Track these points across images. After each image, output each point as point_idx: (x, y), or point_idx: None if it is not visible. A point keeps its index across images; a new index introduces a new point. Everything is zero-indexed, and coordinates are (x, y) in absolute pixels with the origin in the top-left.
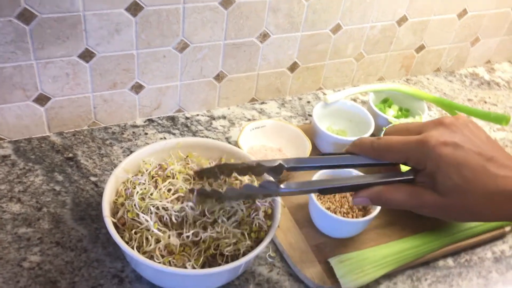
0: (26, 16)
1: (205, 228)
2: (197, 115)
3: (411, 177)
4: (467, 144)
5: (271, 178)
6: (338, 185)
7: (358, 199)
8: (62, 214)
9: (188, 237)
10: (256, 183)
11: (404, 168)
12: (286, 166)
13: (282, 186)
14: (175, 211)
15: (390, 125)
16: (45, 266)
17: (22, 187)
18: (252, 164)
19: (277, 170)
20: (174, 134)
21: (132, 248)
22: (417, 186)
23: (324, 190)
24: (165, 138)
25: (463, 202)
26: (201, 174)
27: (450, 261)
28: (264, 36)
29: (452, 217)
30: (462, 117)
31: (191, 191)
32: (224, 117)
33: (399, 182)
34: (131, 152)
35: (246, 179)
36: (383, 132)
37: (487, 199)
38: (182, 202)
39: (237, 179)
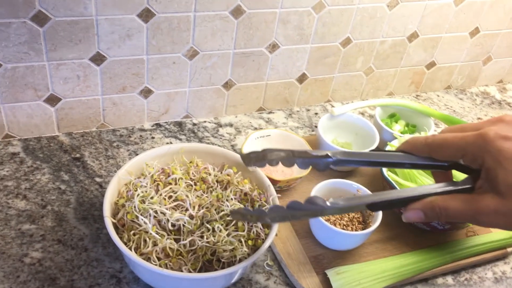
0: (40, 18)
1: (202, 236)
2: (204, 121)
3: (469, 185)
4: None
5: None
6: (389, 198)
7: (410, 213)
8: (66, 212)
9: (184, 245)
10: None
11: (459, 178)
12: (333, 158)
13: (328, 203)
14: (172, 220)
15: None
16: (46, 263)
17: (29, 184)
18: (300, 153)
19: (323, 162)
20: (180, 139)
21: (130, 249)
22: (475, 192)
23: (374, 205)
24: (171, 143)
25: None
26: (246, 159)
27: (449, 279)
28: (273, 47)
29: None
30: None
31: (232, 212)
32: (231, 125)
33: (455, 192)
34: (137, 155)
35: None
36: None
37: None
38: (181, 211)
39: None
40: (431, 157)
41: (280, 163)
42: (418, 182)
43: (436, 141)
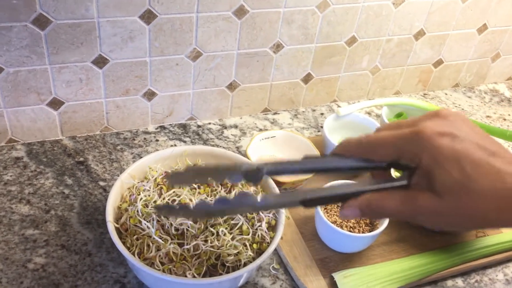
0: (41, 22)
1: (206, 240)
2: (209, 123)
3: (405, 182)
4: (466, 136)
5: (245, 189)
6: (324, 195)
7: (346, 211)
8: (69, 217)
9: (188, 249)
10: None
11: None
12: (264, 170)
13: (259, 199)
14: (175, 224)
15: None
16: (49, 268)
17: (32, 189)
18: (229, 166)
19: (254, 175)
20: (185, 141)
21: (133, 254)
22: (412, 190)
23: (308, 202)
24: (175, 145)
25: (465, 202)
26: (173, 179)
27: (459, 281)
28: (278, 47)
29: (452, 223)
30: (458, 111)
31: (157, 208)
32: (235, 127)
33: (391, 189)
34: (141, 158)
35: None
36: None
37: (493, 198)
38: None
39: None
40: (367, 158)
41: (209, 180)
42: None
43: (371, 141)
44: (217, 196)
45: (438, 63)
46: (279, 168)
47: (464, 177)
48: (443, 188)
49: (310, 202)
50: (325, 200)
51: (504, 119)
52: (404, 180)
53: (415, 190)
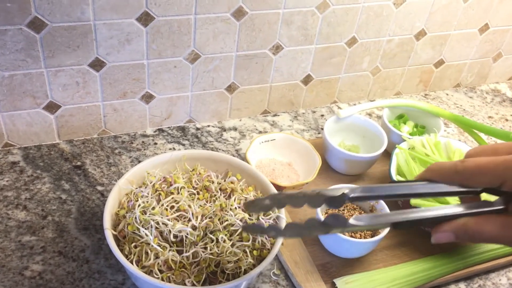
0: (36, 25)
1: (205, 247)
2: (208, 126)
3: (502, 207)
4: None
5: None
6: (416, 218)
7: (440, 235)
8: (67, 223)
9: (187, 257)
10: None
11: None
12: (350, 196)
13: (350, 221)
14: (174, 231)
15: (471, 148)
16: (47, 276)
17: (29, 195)
18: (311, 194)
19: (339, 200)
20: (183, 144)
21: (131, 262)
22: (511, 215)
23: (399, 224)
24: (174, 148)
25: None
26: (251, 207)
27: (462, 286)
28: (277, 48)
29: None
30: None
31: (245, 228)
32: (235, 129)
33: (487, 213)
34: (139, 162)
35: None
36: (465, 155)
37: None
38: (183, 222)
39: None
40: (463, 185)
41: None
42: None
43: (469, 168)
44: (308, 218)
45: (439, 63)
46: (366, 195)
47: None
48: None
49: (403, 225)
50: (417, 223)
51: (506, 120)
52: (501, 205)
53: None
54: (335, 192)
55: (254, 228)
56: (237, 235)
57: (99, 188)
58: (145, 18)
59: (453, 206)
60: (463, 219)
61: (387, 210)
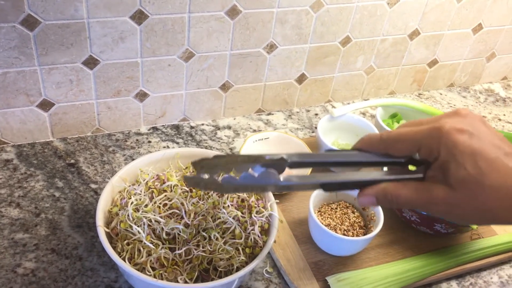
0: (30, 22)
1: (198, 245)
2: (202, 124)
3: (421, 175)
4: (483, 134)
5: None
6: (343, 180)
7: (364, 198)
8: (60, 220)
9: (180, 254)
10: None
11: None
12: (288, 161)
13: (281, 178)
14: (167, 229)
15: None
16: (39, 273)
17: (22, 192)
18: (252, 158)
19: (279, 165)
20: (177, 143)
21: (124, 259)
22: (427, 181)
23: (327, 185)
24: (168, 147)
25: (476, 196)
26: (198, 165)
27: (454, 284)
28: (271, 47)
29: (462, 216)
30: (478, 114)
31: (186, 179)
32: (229, 127)
33: (407, 180)
34: (133, 160)
35: None
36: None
37: (504, 194)
38: (176, 219)
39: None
40: (388, 153)
41: (232, 171)
42: None
43: (392, 136)
44: (243, 173)
45: (433, 63)
46: (303, 161)
47: (478, 172)
48: (457, 181)
49: (330, 186)
50: (344, 185)
51: (499, 119)
52: (420, 173)
53: (430, 182)
54: (274, 157)
55: (194, 180)
56: (230, 232)
57: (93, 186)
58: (139, 16)
59: (377, 172)
60: (383, 184)
61: (379, 208)
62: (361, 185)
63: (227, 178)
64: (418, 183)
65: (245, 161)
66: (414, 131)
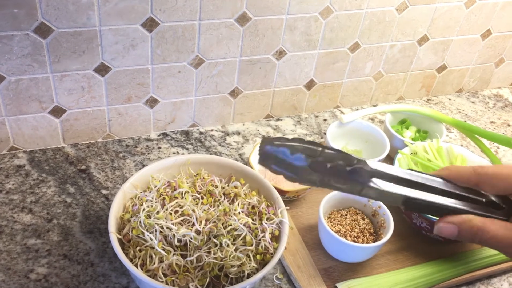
0: (43, 30)
1: (209, 251)
2: (211, 130)
3: (505, 218)
4: None
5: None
6: (428, 200)
7: (445, 226)
8: (72, 226)
9: (191, 261)
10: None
11: None
12: (368, 168)
13: (372, 181)
14: (178, 236)
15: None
16: (52, 279)
17: (34, 198)
18: (335, 153)
19: (359, 168)
20: (187, 149)
21: (136, 265)
22: None
23: (410, 202)
24: (178, 152)
25: None
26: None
27: None
28: (280, 54)
29: None
30: None
31: (263, 152)
32: (238, 133)
33: (493, 217)
34: (143, 166)
35: None
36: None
37: None
38: (187, 226)
39: None
40: (477, 188)
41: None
42: None
43: (489, 172)
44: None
45: (442, 68)
46: (383, 171)
47: None
48: None
49: (413, 204)
50: (427, 207)
51: (509, 125)
52: (505, 216)
53: None
54: (357, 158)
55: (277, 155)
56: (241, 239)
57: (104, 191)
58: (150, 24)
59: (466, 204)
60: (469, 215)
61: (389, 214)
62: (446, 212)
63: (317, 162)
64: (507, 223)
65: (326, 156)
66: None
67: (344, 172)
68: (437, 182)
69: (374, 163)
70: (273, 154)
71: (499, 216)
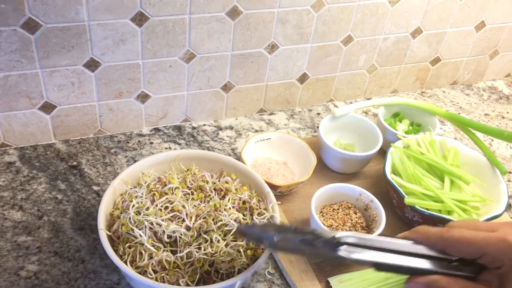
0: (31, 26)
1: (199, 247)
2: (204, 125)
3: (472, 275)
4: None
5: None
6: (397, 264)
7: (413, 286)
8: (62, 223)
9: (181, 257)
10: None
11: None
12: (340, 240)
13: (340, 250)
14: (168, 232)
15: (453, 220)
16: (42, 276)
17: (25, 195)
18: (305, 231)
19: (329, 242)
20: (179, 144)
21: (126, 262)
22: (479, 283)
23: (381, 265)
24: (170, 148)
25: None
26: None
27: None
28: (273, 47)
29: None
30: None
31: (239, 231)
32: (231, 128)
33: (458, 276)
34: (135, 161)
35: None
36: (447, 225)
37: None
38: (177, 222)
39: None
40: (444, 252)
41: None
42: (422, 184)
43: (454, 237)
44: (300, 237)
45: (436, 61)
46: (354, 242)
47: None
48: None
49: (383, 266)
50: (396, 269)
51: (503, 117)
52: (471, 273)
53: (483, 285)
54: (327, 234)
55: (249, 233)
56: (231, 235)
57: (95, 188)
58: (140, 18)
59: (429, 263)
60: (436, 276)
61: (381, 208)
62: (414, 272)
63: (284, 238)
64: (470, 283)
65: (297, 231)
66: (480, 238)
67: (309, 247)
68: (406, 246)
69: (347, 237)
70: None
71: (467, 273)
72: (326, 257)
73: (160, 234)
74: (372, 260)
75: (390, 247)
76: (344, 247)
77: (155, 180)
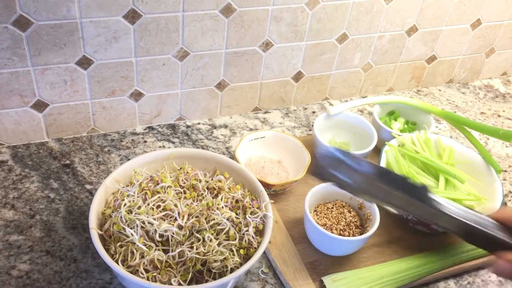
0: (22, 23)
1: (191, 246)
2: (198, 123)
3: None
4: None
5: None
6: (493, 234)
7: (503, 264)
8: (55, 222)
9: (173, 256)
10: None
11: None
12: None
13: (434, 195)
14: (160, 231)
15: None
16: (34, 275)
17: (17, 194)
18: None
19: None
20: (173, 142)
21: (117, 261)
22: None
23: (471, 233)
24: (164, 146)
25: None
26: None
27: (451, 283)
28: (267, 45)
29: None
30: None
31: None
32: (225, 126)
33: None
34: (129, 160)
35: None
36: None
37: None
38: (169, 221)
39: None
40: None
41: None
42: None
43: None
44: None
45: (432, 59)
46: (441, 209)
47: None
48: None
49: (475, 236)
50: (487, 242)
51: (499, 116)
52: None
53: None
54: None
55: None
56: (224, 234)
57: (88, 186)
58: (132, 16)
59: None
60: None
61: (375, 207)
62: (504, 247)
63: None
64: None
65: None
66: None
67: (409, 187)
68: (493, 226)
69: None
70: (334, 156)
71: None
72: (415, 204)
73: (152, 233)
74: (464, 223)
75: (475, 218)
76: (435, 195)
77: (147, 178)
